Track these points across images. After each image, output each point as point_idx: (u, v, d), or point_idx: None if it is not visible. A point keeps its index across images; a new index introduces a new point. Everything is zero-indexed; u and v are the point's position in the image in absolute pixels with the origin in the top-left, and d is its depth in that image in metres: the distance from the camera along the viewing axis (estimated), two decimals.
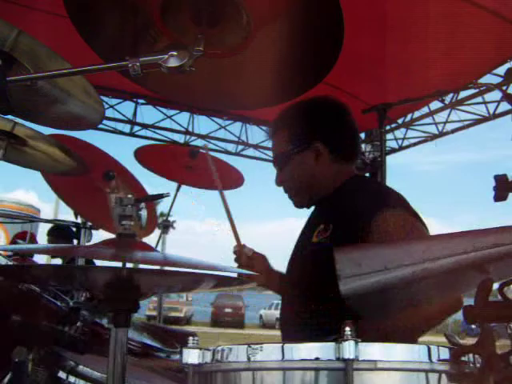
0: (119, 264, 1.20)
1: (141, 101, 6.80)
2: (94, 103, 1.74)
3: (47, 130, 2.16)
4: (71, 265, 3.01)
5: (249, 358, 0.97)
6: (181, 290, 2.16)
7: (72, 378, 1.58)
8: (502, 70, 5.10)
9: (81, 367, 1.59)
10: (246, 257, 2.15)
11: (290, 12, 1.18)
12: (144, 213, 1.35)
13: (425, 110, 6.60)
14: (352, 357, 0.89)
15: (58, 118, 1.79)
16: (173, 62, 1.01)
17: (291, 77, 1.30)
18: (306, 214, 2.38)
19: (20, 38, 1.42)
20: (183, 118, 7.12)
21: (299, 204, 2.17)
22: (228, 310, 30.54)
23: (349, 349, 0.89)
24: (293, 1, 1.17)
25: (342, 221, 1.88)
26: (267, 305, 32.10)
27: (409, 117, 6.84)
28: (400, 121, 6.93)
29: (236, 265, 2.17)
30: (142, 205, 1.35)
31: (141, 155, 3.29)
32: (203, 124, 7.29)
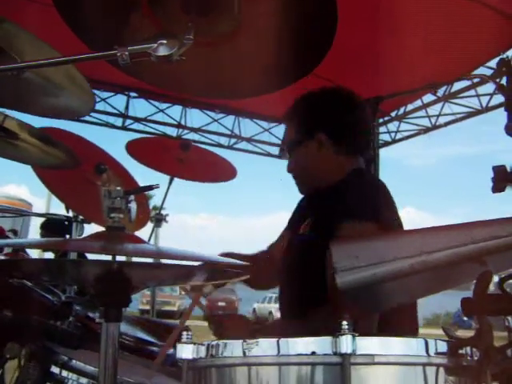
0: (109, 257, 1.18)
1: (133, 94, 6.75)
2: (82, 92, 1.71)
3: (38, 123, 2.14)
4: (62, 259, 2.98)
5: (244, 353, 0.96)
6: (173, 283, 2.15)
7: (65, 373, 1.56)
8: (494, 62, 5.08)
9: (74, 362, 1.58)
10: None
11: (282, 2, 1.16)
12: (133, 205, 1.33)
13: (418, 102, 6.59)
14: (349, 351, 0.87)
15: (47, 107, 1.76)
16: (162, 51, 0.99)
17: (282, 66, 1.28)
18: None
19: (4, 26, 1.38)
20: (175, 111, 7.08)
21: (303, 191, 2.20)
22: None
23: (346, 343, 0.88)
24: None
25: (321, 217, 1.91)
26: (261, 298, 32.17)
27: (402, 110, 6.82)
28: (393, 114, 6.92)
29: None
30: (132, 197, 1.32)
31: (132, 148, 3.26)
32: (196, 117, 7.26)
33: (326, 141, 2.04)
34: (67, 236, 3.16)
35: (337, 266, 0.83)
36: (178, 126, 7.14)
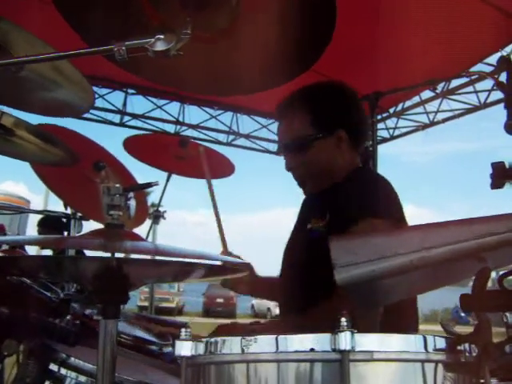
0: (108, 254, 1.18)
1: (131, 91, 6.75)
2: (81, 90, 1.70)
3: (36, 120, 2.13)
4: (60, 256, 2.98)
5: (243, 350, 0.95)
6: (171, 280, 2.14)
7: (63, 371, 1.56)
8: (492, 59, 5.09)
9: (72, 359, 1.57)
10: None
11: None
12: (133, 202, 1.33)
13: (416, 99, 6.60)
14: (348, 348, 0.87)
15: (45, 104, 1.76)
16: (160, 46, 0.98)
17: (281, 62, 1.27)
18: (293, 204, 2.36)
19: (1, 24, 1.37)
20: (174, 107, 7.09)
21: (312, 190, 2.10)
22: (220, 300, 30.59)
23: (345, 340, 0.87)
24: None
25: (338, 213, 1.85)
26: None
27: (400, 106, 6.84)
28: (391, 110, 6.93)
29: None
30: (131, 194, 1.32)
31: (130, 145, 3.25)
32: (194, 114, 7.27)
33: (345, 138, 2.01)
34: (65, 233, 3.16)
35: (336, 262, 0.83)
36: (176, 122, 7.15)
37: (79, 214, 2.92)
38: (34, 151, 2.17)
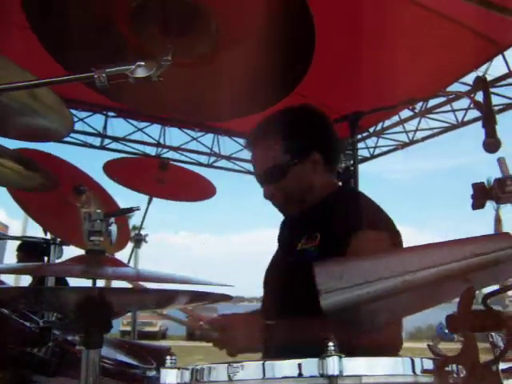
0: (89, 283, 1.16)
1: (111, 113, 6.72)
2: (60, 115, 1.69)
3: (13, 144, 2.10)
4: (40, 287, 2.92)
5: (229, 377, 0.93)
6: (155, 307, 2.09)
7: None
8: (468, 78, 5.21)
9: None
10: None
11: (261, 23, 1.16)
12: (114, 228, 1.31)
13: (395, 118, 6.69)
14: (336, 373, 0.86)
15: (23, 130, 1.74)
16: (140, 73, 0.98)
17: (262, 88, 1.28)
18: (275, 224, 2.34)
19: None
20: (154, 130, 7.08)
21: (291, 213, 2.10)
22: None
23: (333, 364, 0.86)
24: (264, 12, 1.15)
25: (331, 231, 1.85)
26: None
27: (380, 126, 6.92)
28: (371, 130, 7.01)
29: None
30: (112, 219, 1.30)
31: (110, 169, 3.22)
32: (175, 136, 7.27)
33: (320, 160, 2.02)
34: (45, 258, 3.10)
35: (321, 288, 0.82)
36: (158, 144, 7.13)
37: (59, 240, 2.87)
38: (12, 176, 2.13)
